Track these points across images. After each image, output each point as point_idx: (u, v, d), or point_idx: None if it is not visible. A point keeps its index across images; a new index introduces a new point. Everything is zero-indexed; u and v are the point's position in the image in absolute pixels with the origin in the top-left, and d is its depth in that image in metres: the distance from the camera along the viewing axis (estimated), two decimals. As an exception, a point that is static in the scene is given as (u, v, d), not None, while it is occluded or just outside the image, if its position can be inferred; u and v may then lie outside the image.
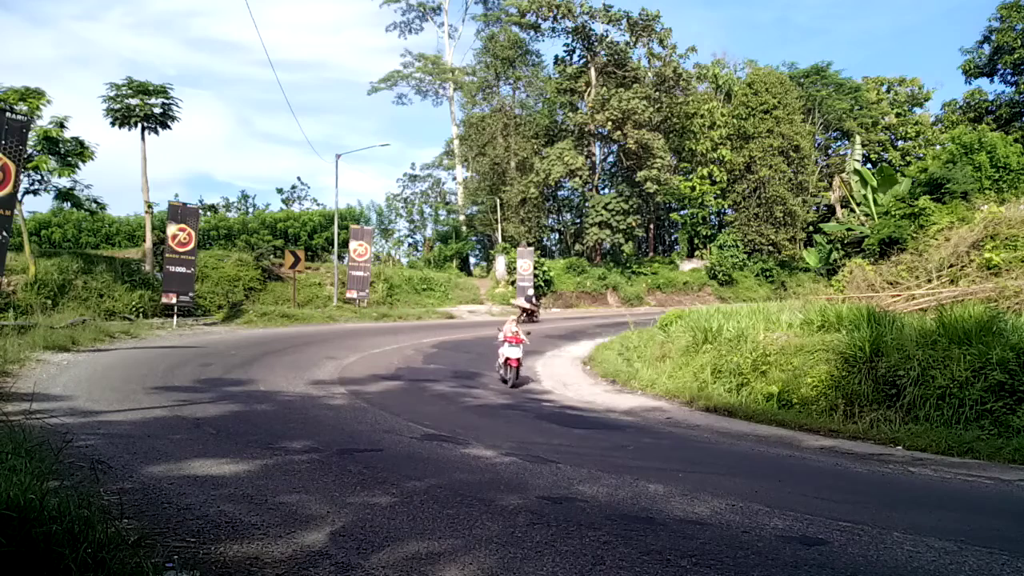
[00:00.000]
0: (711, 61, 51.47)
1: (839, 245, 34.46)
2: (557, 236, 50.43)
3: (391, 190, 62.19)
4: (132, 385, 10.22)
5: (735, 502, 5.38)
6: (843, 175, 39.29)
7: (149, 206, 25.27)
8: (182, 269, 22.10)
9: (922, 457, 7.67)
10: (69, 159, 21.38)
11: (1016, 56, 40.19)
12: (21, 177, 15.23)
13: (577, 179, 41.53)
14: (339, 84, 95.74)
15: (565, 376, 14.51)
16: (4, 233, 13.33)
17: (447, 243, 44.61)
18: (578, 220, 47.16)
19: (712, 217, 48.48)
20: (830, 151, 54.25)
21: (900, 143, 51.75)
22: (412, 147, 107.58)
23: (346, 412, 9.18)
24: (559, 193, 47.82)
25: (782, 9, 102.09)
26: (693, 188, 44.24)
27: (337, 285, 29.36)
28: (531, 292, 31.08)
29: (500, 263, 38.22)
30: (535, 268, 34.83)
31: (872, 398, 9.18)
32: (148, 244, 25.73)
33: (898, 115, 52.36)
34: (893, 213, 25.42)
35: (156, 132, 24.47)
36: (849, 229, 33.16)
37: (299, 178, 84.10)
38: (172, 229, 22.25)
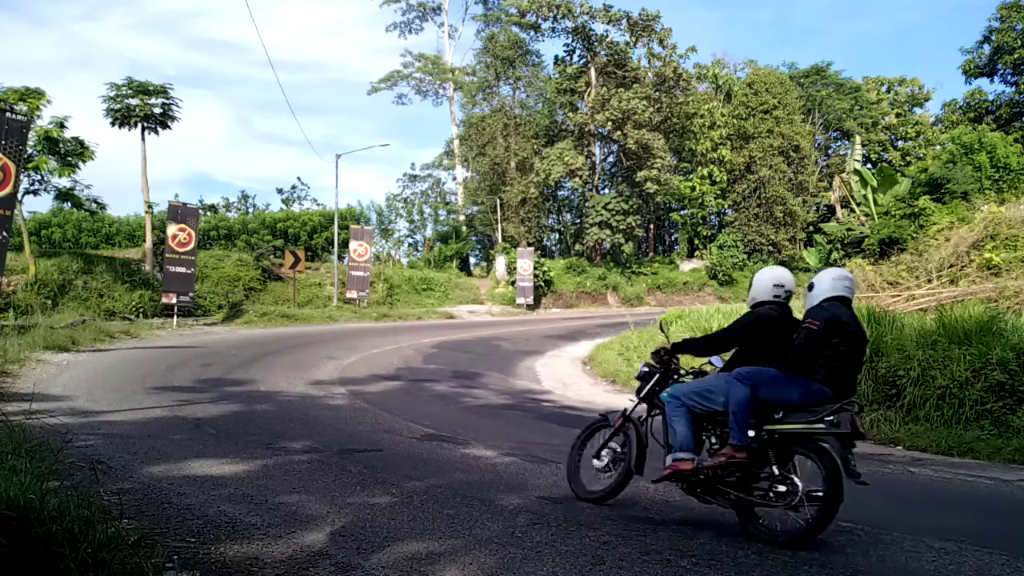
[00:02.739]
0: (711, 61, 51.51)
1: (839, 245, 34.44)
2: (557, 236, 50.44)
3: (391, 190, 62.08)
4: (132, 385, 10.22)
5: (735, 502, 5.37)
6: (843, 175, 39.27)
7: (149, 206, 25.27)
8: (182, 269, 22.09)
9: (922, 457, 7.66)
10: (69, 159, 21.38)
11: (1016, 56, 40.16)
12: (21, 177, 15.23)
13: (577, 179, 41.53)
14: (339, 84, 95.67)
15: (565, 376, 14.51)
16: (4, 233, 13.33)
17: (447, 243, 44.60)
18: (578, 220, 47.16)
19: (712, 217, 48.48)
20: (830, 151, 54.24)
21: (900, 143, 51.73)
22: (412, 147, 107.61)
23: (346, 412, 9.18)
24: (559, 193, 47.82)
25: (781, 9, 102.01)
26: (693, 188, 44.23)
27: (337, 285, 29.36)
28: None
29: (500, 263, 38.22)
30: (535, 268, 34.84)
31: (872, 398, 9.17)
32: (148, 244, 25.73)
33: (898, 115, 52.34)
34: (893, 213, 25.42)
35: (156, 132, 24.48)
36: (849, 229, 33.15)
37: (299, 178, 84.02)
38: (172, 229, 22.25)
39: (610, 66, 42.42)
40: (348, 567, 3.70)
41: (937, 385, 8.56)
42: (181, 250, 22.16)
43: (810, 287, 4.72)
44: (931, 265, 17.52)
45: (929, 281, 17.15)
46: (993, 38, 41.32)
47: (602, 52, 42.33)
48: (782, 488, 4.28)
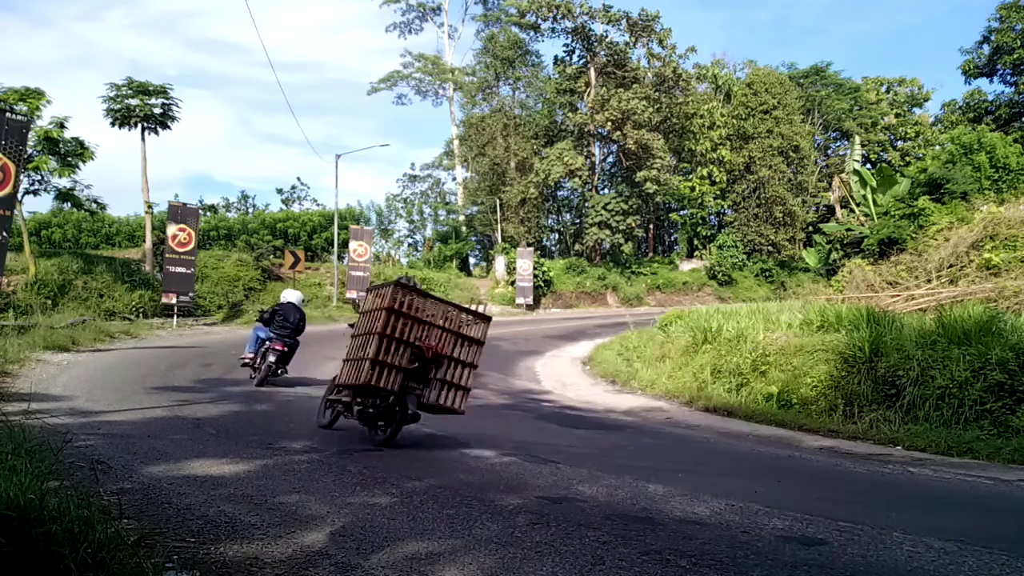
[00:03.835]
0: (711, 61, 51.44)
1: (839, 245, 34.52)
2: (557, 236, 50.40)
3: (391, 190, 62.18)
4: (132, 385, 10.23)
5: (735, 502, 5.38)
6: (843, 175, 39.31)
7: (149, 206, 25.26)
8: (182, 269, 22.11)
9: (922, 457, 7.67)
10: (69, 159, 21.39)
11: (1016, 56, 40.19)
12: (21, 177, 15.23)
13: (577, 179, 41.50)
14: (339, 84, 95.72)
15: (565, 376, 14.52)
16: (4, 233, 13.33)
17: (447, 243, 44.59)
18: (578, 220, 47.13)
19: (712, 217, 48.44)
20: (830, 151, 54.22)
21: (900, 143, 51.71)
22: (412, 147, 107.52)
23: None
24: (559, 193, 47.78)
25: (781, 9, 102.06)
26: (693, 188, 44.21)
27: (337, 285, 29.37)
28: None
29: (500, 263, 38.21)
30: (535, 268, 34.84)
31: (872, 398, 9.18)
32: (148, 244, 25.73)
33: (897, 115, 52.32)
34: (893, 213, 25.45)
35: (156, 132, 24.48)
36: (849, 229, 33.20)
37: (299, 178, 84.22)
38: (172, 229, 22.26)
39: (610, 66, 42.40)
40: (348, 567, 3.70)
41: (937, 385, 8.57)
42: (181, 250, 22.17)
43: (284, 297, 11.49)
44: (931, 265, 17.54)
45: (929, 281, 17.17)
46: (993, 38, 41.35)
47: (602, 52, 42.32)
48: (263, 366, 10.77)
